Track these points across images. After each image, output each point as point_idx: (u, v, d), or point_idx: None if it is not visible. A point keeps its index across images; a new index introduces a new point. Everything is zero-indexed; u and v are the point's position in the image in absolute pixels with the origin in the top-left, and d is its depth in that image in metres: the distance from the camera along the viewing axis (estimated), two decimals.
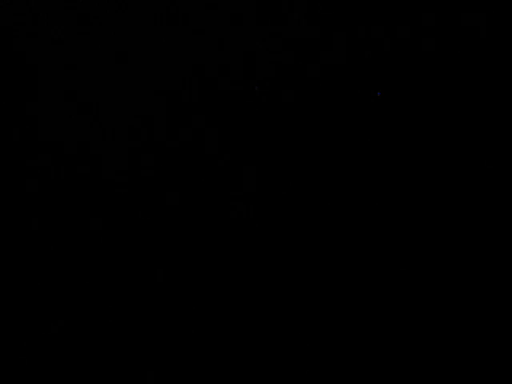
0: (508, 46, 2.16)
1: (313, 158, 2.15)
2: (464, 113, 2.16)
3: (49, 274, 2.08)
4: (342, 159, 2.15)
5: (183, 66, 2.21)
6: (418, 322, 2.02)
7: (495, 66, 2.16)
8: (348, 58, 2.19)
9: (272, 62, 2.21)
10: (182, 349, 2.01)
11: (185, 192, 2.14)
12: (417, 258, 2.07)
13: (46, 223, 2.11)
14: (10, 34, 2.18)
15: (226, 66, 2.20)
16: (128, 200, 2.13)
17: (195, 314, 2.06)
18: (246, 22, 2.20)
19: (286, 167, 2.15)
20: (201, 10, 2.21)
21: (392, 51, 2.18)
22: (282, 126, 2.17)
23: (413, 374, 1.96)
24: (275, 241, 2.10)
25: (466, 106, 2.16)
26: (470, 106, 2.16)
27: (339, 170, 2.14)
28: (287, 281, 2.08)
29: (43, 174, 2.14)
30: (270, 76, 2.20)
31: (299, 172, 2.14)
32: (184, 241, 2.11)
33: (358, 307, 2.04)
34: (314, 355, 1.99)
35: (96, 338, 2.03)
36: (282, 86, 2.19)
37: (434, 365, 1.97)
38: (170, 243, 2.10)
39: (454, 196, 2.11)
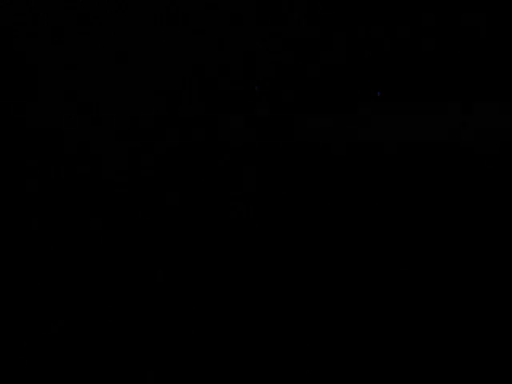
0: (508, 45, 2.16)
1: (313, 158, 2.15)
2: (464, 112, 2.16)
3: (49, 273, 2.08)
4: (342, 159, 2.15)
5: (183, 66, 2.21)
6: (417, 321, 2.02)
7: (495, 66, 2.16)
8: (348, 58, 2.19)
9: (272, 61, 2.21)
10: (182, 348, 2.01)
11: (185, 192, 2.14)
12: (416, 257, 2.07)
13: (46, 223, 2.11)
14: (10, 34, 2.19)
15: (226, 65, 2.20)
16: (128, 200, 2.13)
17: (195, 314, 2.05)
18: (246, 22, 2.20)
19: (286, 167, 2.15)
20: (201, 9, 2.21)
21: (392, 51, 2.18)
22: (282, 126, 2.17)
23: (413, 374, 1.96)
24: (275, 241, 2.10)
25: (467, 106, 2.16)
26: (471, 105, 2.16)
27: (339, 170, 2.14)
28: (287, 280, 2.08)
29: (43, 173, 2.14)
30: (270, 76, 2.20)
31: (299, 172, 2.14)
32: (184, 241, 2.11)
33: (357, 306, 2.04)
34: (312, 355, 1.99)
35: (96, 337, 2.03)
36: (282, 85, 2.19)
37: (434, 364, 1.97)
38: (170, 243, 2.10)
39: (454, 196, 2.11)
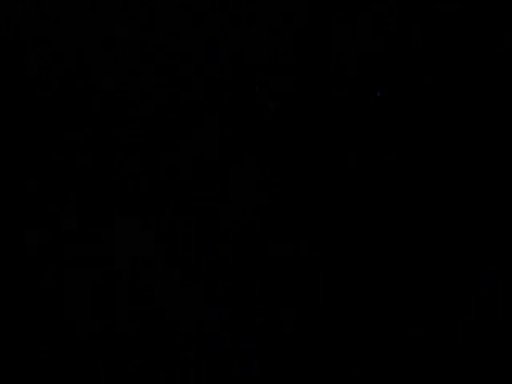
0: (508, 45, 2.16)
1: (313, 159, 2.15)
2: (465, 113, 2.16)
3: (48, 274, 2.08)
4: (343, 160, 2.15)
5: (183, 66, 2.22)
6: (417, 321, 2.02)
7: (496, 66, 2.16)
8: (348, 59, 2.19)
9: (272, 61, 2.21)
10: (181, 348, 2.01)
11: (184, 192, 2.14)
12: (417, 258, 2.07)
13: (47, 223, 2.11)
14: (12, 37, 2.19)
15: (226, 65, 2.21)
16: (128, 200, 2.14)
17: (195, 314, 2.05)
18: (245, 22, 2.21)
19: (286, 169, 2.15)
20: (201, 9, 2.22)
21: (391, 51, 2.19)
22: (282, 127, 2.17)
23: (414, 376, 1.96)
24: (274, 244, 2.10)
25: (468, 107, 2.16)
26: (472, 106, 2.16)
27: (340, 172, 2.15)
28: (286, 279, 2.08)
29: (43, 173, 2.15)
30: (270, 76, 2.20)
31: (300, 173, 2.15)
32: (183, 241, 2.11)
33: (356, 305, 2.04)
34: (310, 355, 1.98)
35: (95, 338, 2.03)
36: (282, 86, 2.19)
37: (434, 365, 1.96)
38: (170, 243, 2.11)
39: (454, 197, 2.11)
